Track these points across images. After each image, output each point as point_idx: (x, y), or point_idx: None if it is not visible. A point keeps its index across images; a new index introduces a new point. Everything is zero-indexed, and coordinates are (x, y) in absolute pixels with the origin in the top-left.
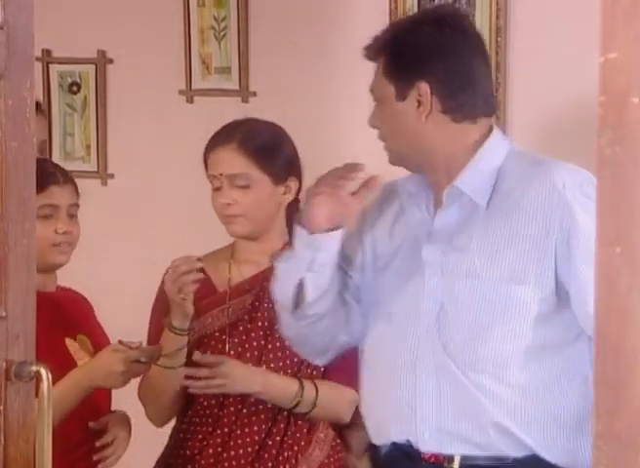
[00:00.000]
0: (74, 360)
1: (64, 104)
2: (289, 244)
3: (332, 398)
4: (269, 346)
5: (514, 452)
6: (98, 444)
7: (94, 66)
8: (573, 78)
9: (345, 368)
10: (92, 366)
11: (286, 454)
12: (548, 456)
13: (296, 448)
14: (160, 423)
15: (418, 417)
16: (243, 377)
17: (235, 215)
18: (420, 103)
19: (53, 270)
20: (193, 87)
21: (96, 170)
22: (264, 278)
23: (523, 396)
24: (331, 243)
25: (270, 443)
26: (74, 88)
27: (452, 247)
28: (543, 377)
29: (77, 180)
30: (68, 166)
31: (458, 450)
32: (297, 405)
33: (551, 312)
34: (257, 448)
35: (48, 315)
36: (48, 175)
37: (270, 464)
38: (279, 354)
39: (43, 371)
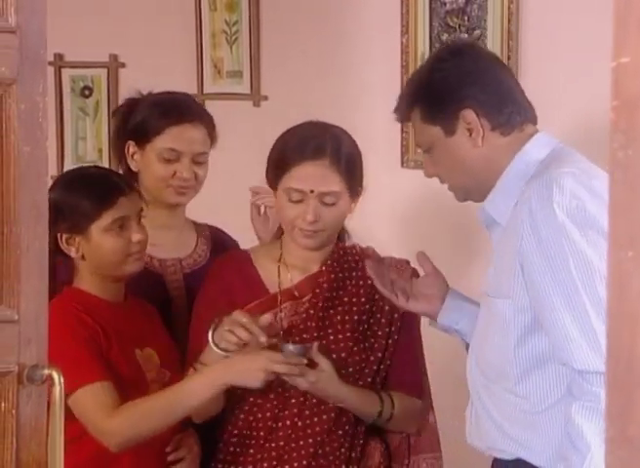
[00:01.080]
0: (143, 371)
1: (76, 108)
2: (336, 250)
3: (405, 409)
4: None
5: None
6: (170, 458)
7: (106, 70)
8: (585, 81)
9: (413, 379)
10: (231, 362)
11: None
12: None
13: (352, 457)
14: (197, 419)
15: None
16: (331, 391)
17: (316, 231)
18: (470, 131)
19: (125, 280)
20: (205, 91)
21: None
22: (314, 284)
23: (530, 406)
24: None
25: (321, 452)
26: (86, 92)
27: (489, 264)
28: (545, 388)
29: None
30: None
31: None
32: (377, 417)
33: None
34: (310, 460)
35: (120, 325)
36: (114, 187)
37: None
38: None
39: (55, 375)
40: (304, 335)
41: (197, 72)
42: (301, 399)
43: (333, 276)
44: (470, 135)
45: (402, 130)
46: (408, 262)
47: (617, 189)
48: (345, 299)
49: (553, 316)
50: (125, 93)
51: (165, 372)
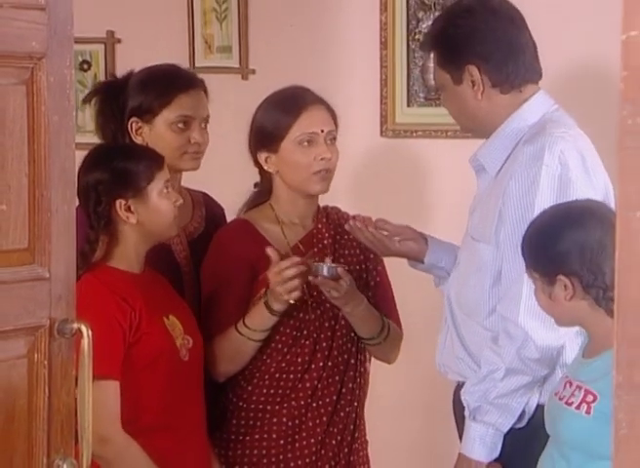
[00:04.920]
0: (173, 338)
1: (76, 82)
2: (321, 209)
3: (395, 335)
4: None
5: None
6: None
7: (103, 46)
8: (560, 55)
9: (396, 313)
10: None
11: (355, 403)
12: None
13: (359, 397)
14: (224, 379)
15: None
16: (355, 295)
17: (328, 170)
18: (473, 84)
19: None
20: (196, 65)
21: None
22: (316, 239)
23: (491, 339)
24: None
25: (345, 390)
26: (85, 66)
27: (473, 209)
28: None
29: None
30: (80, 139)
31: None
32: (379, 332)
33: None
34: (338, 394)
35: (146, 297)
36: (157, 154)
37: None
38: None
39: (84, 328)
40: None
41: (189, 48)
42: (330, 342)
43: (332, 232)
44: (473, 87)
45: (381, 102)
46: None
47: (626, 154)
48: (346, 252)
49: (505, 265)
50: (121, 67)
51: (188, 338)
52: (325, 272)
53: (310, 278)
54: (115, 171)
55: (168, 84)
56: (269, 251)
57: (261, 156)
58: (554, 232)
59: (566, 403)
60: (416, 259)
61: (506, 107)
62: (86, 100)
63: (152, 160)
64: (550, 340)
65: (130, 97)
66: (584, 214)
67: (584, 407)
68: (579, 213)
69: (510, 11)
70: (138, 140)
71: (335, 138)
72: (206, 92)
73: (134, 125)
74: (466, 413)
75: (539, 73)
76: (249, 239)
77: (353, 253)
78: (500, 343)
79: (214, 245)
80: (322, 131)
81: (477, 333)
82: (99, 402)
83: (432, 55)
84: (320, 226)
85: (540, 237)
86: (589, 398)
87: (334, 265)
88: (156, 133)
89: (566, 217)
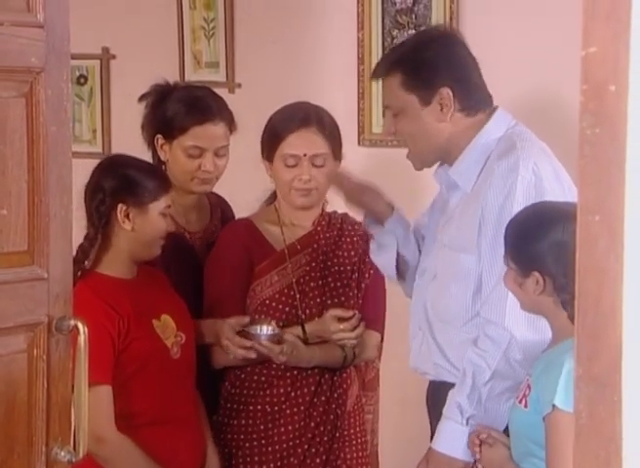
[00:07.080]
0: (162, 339)
1: (74, 95)
2: (324, 214)
3: (364, 345)
4: (328, 302)
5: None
6: None
7: (99, 61)
8: (523, 73)
9: (375, 315)
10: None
11: (335, 394)
12: None
13: (341, 389)
14: (220, 367)
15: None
16: (304, 353)
17: (310, 189)
18: (442, 106)
19: (146, 260)
20: (186, 79)
21: (101, 151)
22: (312, 240)
23: (469, 343)
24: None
25: (326, 377)
26: (82, 80)
27: (446, 221)
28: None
29: (84, 161)
30: (77, 148)
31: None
32: (343, 363)
33: None
34: (320, 377)
35: (137, 301)
36: (168, 179)
37: (327, 397)
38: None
39: (80, 325)
40: (312, 284)
41: (179, 63)
42: None
43: (327, 234)
44: (441, 109)
45: (359, 113)
46: (360, 224)
47: (585, 162)
48: (339, 253)
49: (484, 271)
50: (115, 81)
51: (181, 335)
52: (262, 343)
53: (249, 343)
54: (126, 178)
55: (189, 114)
56: None
57: (265, 163)
58: (537, 229)
59: (517, 398)
60: (377, 219)
61: (469, 128)
62: (141, 99)
63: (162, 182)
64: (533, 342)
65: (163, 113)
66: (570, 218)
67: (524, 401)
68: (565, 215)
69: (466, 44)
70: (161, 154)
71: (324, 161)
72: (231, 121)
73: (159, 140)
74: (455, 416)
75: (492, 101)
76: (248, 235)
77: (347, 254)
78: (483, 347)
79: (219, 239)
80: (305, 154)
81: (455, 339)
82: (93, 405)
83: (393, 77)
84: (319, 229)
85: (523, 231)
86: (527, 391)
87: (270, 331)
88: (174, 153)
89: (551, 217)
